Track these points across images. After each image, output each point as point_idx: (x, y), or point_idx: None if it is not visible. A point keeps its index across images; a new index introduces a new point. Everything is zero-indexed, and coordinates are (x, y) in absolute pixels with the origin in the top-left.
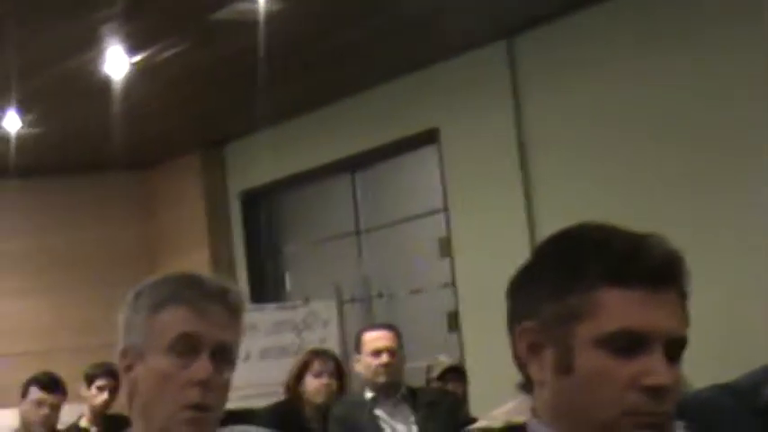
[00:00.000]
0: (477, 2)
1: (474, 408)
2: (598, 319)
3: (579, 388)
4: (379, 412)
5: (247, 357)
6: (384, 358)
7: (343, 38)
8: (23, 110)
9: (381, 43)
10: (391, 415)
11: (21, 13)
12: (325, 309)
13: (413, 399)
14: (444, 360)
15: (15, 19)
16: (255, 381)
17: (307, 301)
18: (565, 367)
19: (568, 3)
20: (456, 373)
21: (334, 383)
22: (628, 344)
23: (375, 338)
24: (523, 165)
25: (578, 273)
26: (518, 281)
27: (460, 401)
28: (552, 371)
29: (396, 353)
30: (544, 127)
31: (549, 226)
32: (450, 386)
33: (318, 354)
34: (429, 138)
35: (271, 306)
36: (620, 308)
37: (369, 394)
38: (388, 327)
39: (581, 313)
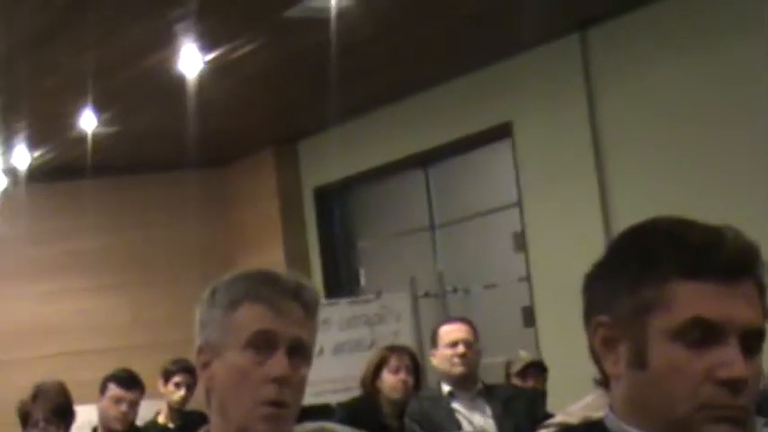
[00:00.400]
0: None
1: (551, 403)
2: (671, 311)
3: (654, 382)
4: (456, 406)
5: (321, 353)
6: (460, 349)
7: (415, 33)
8: (99, 109)
9: (453, 38)
10: (469, 409)
11: (96, 14)
12: (398, 302)
13: (490, 395)
14: (525, 356)
15: (91, 20)
16: (329, 376)
17: (379, 294)
18: (639, 361)
19: None
20: (537, 368)
21: (410, 379)
22: (701, 335)
23: (451, 331)
24: (598, 157)
25: (652, 266)
26: (593, 275)
27: (537, 397)
28: (627, 365)
29: (472, 345)
30: (618, 119)
31: (624, 219)
32: (531, 382)
33: (395, 349)
34: (502, 132)
35: (343, 301)
36: (693, 299)
37: (446, 388)
38: (464, 320)
39: (655, 306)
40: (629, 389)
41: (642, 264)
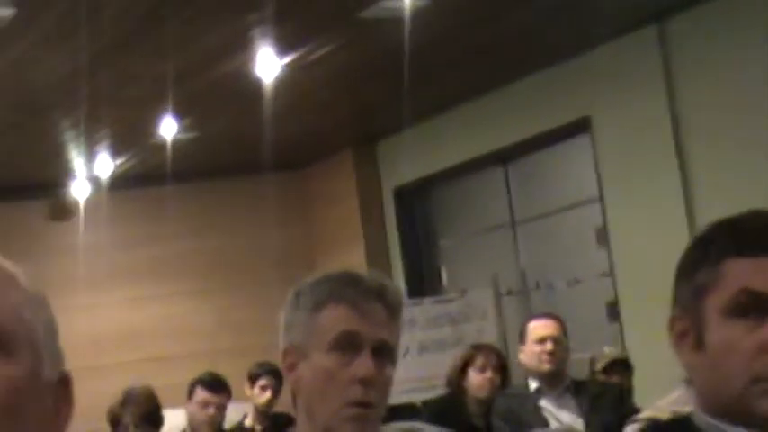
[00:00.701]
0: None
1: (638, 398)
2: (722, 288)
3: (711, 363)
4: (544, 404)
5: (406, 352)
6: (548, 346)
7: (491, 30)
8: (179, 115)
9: (530, 33)
10: (556, 406)
11: (173, 21)
12: (482, 299)
13: (577, 391)
14: (609, 352)
15: (168, 27)
16: (415, 375)
17: (463, 293)
18: (699, 344)
19: None
20: (621, 365)
21: (497, 378)
22: (751, 307)
23: (539, 327)
24: (679, 151)
25: (707, 250)
26: (675, 273)
27: (625, 393)
28: (691, 351)
29: (560, 341)
30: (699, 111)
31: (708, 211)
32: (616, 378)
33: (481, 348)
34: (581, 126)
35: (427, 300)
36: (741, 273)
37: (533, 385)
38: (552, 316)
39: (708, 286)
40: (696, 376)
41: (698, 250)
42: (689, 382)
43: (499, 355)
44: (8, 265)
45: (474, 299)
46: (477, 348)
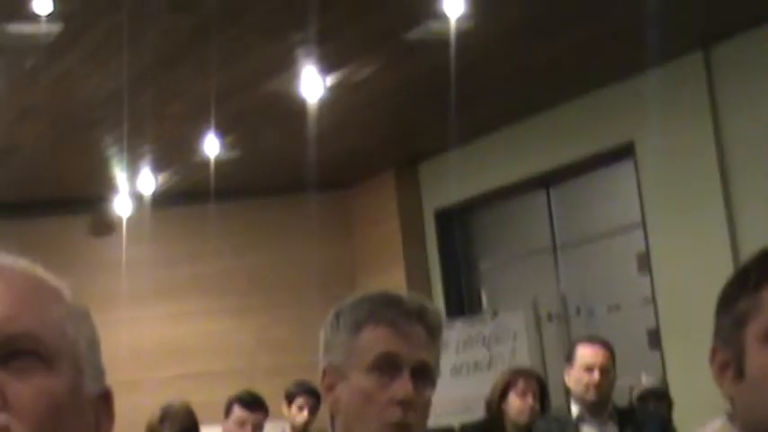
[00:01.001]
0: (670, 11)
1: (679, 427)
2: (761, 315)
3: (751, 390)
4: (585, 430)
5: (439, 375)
6: (595, 376)
7: (535, 54)
8: (222, 134)
9: (573, 58)
10: None
11: (218, 39)
12: (514, 320)
13: (621, 419)
14: (646, 381)
15: (213, 45)
16: (448, 398)
17: (495, 314)
18: (739, 374)
19: (766, 9)
20: (656, 395)
21: (537, 404)
22: None
23: (588, 354)
24: (723, 177)
25: (746, 279)
26: (718, 302)
27: (669, 422)
28: (732, 381)
29: (608, 371)
30: (744, 138)
31: (752, 239)
32: (652, 407)
33: (523, 373)
34: (625, 152)
35: (460, 321)
36: None
37: (575, 409)
38: (604, 343)
39: (748, 315)
40: (738, 406)
41: (738, 281)
42: (731, 414)
43: (540, 381)
44: (51, 279)
45: (506, 319)
46: (519, 373)
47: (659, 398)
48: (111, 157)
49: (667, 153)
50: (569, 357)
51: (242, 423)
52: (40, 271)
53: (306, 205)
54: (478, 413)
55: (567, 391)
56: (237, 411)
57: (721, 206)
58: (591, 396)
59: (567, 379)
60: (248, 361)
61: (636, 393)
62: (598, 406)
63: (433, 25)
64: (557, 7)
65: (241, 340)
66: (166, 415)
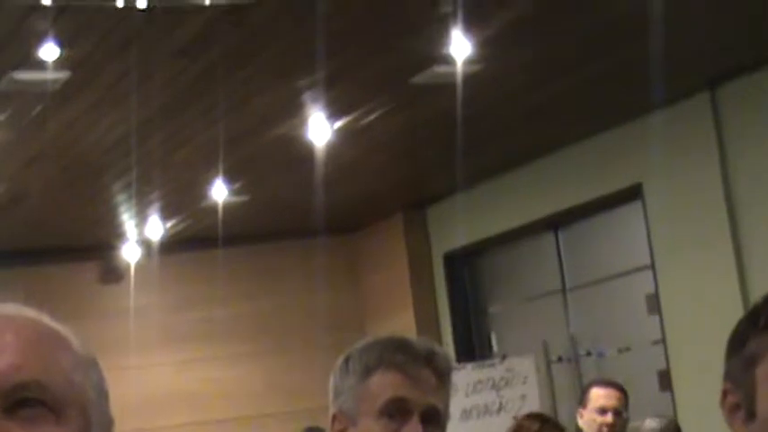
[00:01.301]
0: (676, 52)
1: None
2: None
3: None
4: None
5: (448, 419)
6: (609, 418)
7: (542, 97)
8: (230, 179)
9: (580, 99)
10: None
11: (225, 85)
12: (523, 365)
13: None
14: (649, 424)
15: (220, 91)
16: None
17: (503, 358)
18: (750, 416)
19: None
20: None
21: None
22: None
23: (602, 396)
24: (732, 218)
25: (756, 320)
26: (728, 343)
27: None
28: (743, 423)
29: (621, 414)
30: (752, 179)
31: (762, 280)
32: None
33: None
34: (633, 193)
35: (469, 365)
36: None
37: None
38: (617, 386)
39: (757, 356)
40: None
41: (748, 322)
42: None
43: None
44: (59, 327)
45: (515, 364)
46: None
47: None
48: (120, 204)
49: (675, 194)
50: (582, 399)
51: None
52: (48, 319)
53: (314, 250)
54: None
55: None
56: None
57: (730, 246)
58: None
59: (579, 421)
60: (258, 407)
61: None
62: None
63: (440, 69)
64: (562, 50)
65: (251, 386)
66: None
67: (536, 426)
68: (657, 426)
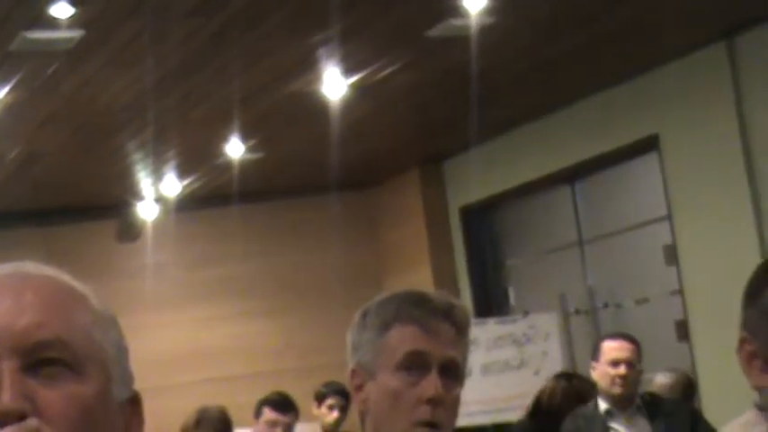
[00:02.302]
0: (692, 2)
1: (710, 418)
2: None
3: None
4: (614, 425)
5: (469, 373)
6: (621, 370)
7: (558, 49)
8: (245, 136)
9: (595, 52)
10: (627, 427)
11: (239, 42)
12: (546, 321)
13: (650, 410)
14: (660, 378)
15: (234, 49)
16: (478, 397)
17: (526, 314)
18: (766, 363)
19: None
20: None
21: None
22: None
23: (614, 348)
24: (749, 167)
25: None
26: (744, 292)
27: (699, 413)
28: (760, 374)
29: (633, 365)
30: None
31: None
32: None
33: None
34: (649, 145)
35: (491, 320)
36: None
37: (602, 406)
38: (629, 338)
39: None
40: (765, 395)
41: (764, 272)
42: (760, 405)
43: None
44: (78, 285)
45: (538, 320)
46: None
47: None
48: (136, 163)
49: (692, 144)
50: (594, 353)
51: (273, 425)
52: (67, 278)
53: (330, 206)
54: (508, 412)
55: (594, 387)
56: (268, 413)
57: (747, 195)
58: (617, 390)
59: (593, 374)
60: (276, 363)
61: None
62: (625, 400)
63: (455, 22)
64: (578, 1)
65: (268, 343)
66: (201, 418)
67: (565, 383)
68: (668, 381)
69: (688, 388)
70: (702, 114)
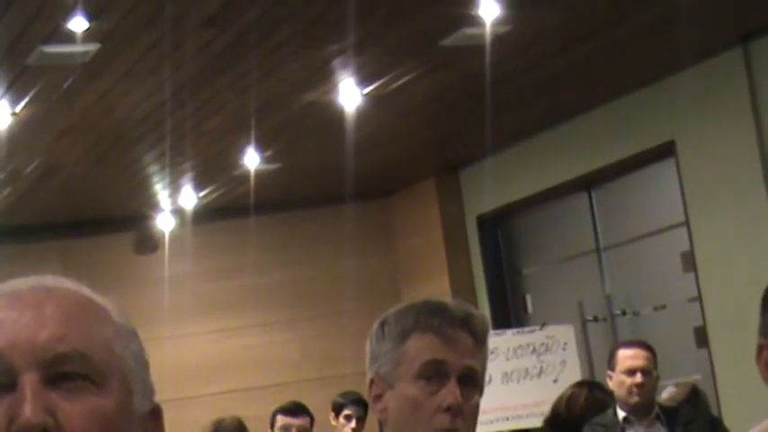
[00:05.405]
0: (708, 7)
1: (729, 424)
2: None
3: None
4: None
5: (490, 381)
6: (638, 378)
7: (572, 56)
8: (262, 147)
9: (610, 59)
10: None
11: (255, 53)
12: (563, 333)
13: (669, 418)
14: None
15: (250, 59)
16: (499, 405)
17: (543, 325)
18: None
19: None
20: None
21: None
22: None
23: (629, 357)
24: (766, 173)
25: None
26: (762, 298)
27: (717, 421)
28: None
29: (650, 373)
30: None
31: None
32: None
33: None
34: (666, 151)
35: (509, 331)
36: None
37: (621, 413)
38: (644, 345)
39: None
40: None
41: None
42: None
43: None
44: (99, 298)
45: (555, 331)
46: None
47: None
48: (153, 175)
49: (709, 150)
50: (610, 362)
51: (286, 429)
52: (87, 290)
53: (347, 216)
54: (528, 419)
55: (612, 395)
56: (280, 419)
57: (765, 201)
58: (634, 399)
59: (609, 384)
60: (294, 374)
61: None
62: (643, 408)
63: (469, 31)
64: (592, 8)
65: (286, 354)
66: (218, 430)
67: (585, 392)
68: (670, 396)
69: (694, 398)
70: (719, 120)
